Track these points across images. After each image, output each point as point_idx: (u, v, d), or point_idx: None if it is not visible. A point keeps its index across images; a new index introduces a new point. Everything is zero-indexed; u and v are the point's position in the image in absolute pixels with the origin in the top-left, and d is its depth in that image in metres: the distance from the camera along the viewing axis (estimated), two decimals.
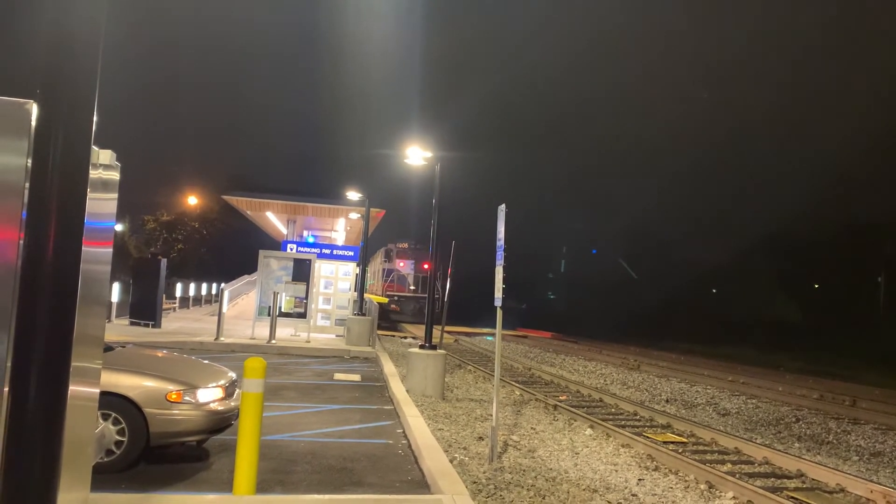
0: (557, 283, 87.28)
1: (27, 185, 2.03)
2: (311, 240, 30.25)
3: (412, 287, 38.33)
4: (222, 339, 16.71)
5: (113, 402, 5.69)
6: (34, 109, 2.06)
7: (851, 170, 62.30)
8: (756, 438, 10.54)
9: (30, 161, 2.04)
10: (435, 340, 12.82)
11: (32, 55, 2.03)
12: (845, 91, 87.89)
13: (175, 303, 29.73)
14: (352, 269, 22.11)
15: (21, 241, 2.01)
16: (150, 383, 5.96)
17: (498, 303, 7.96)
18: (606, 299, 64.40)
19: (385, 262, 40.32)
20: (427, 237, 13.64)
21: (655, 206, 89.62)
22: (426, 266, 38.86)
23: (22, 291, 1.97)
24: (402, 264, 39.38)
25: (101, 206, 3.03)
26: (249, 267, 26.25)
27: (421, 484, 6.29)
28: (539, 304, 70.37)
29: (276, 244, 31.55)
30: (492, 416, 7.92)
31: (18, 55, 2.22)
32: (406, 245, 40.04)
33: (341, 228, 32.08)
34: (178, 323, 21.81)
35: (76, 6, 2.03)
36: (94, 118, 2.10)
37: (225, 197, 27.25)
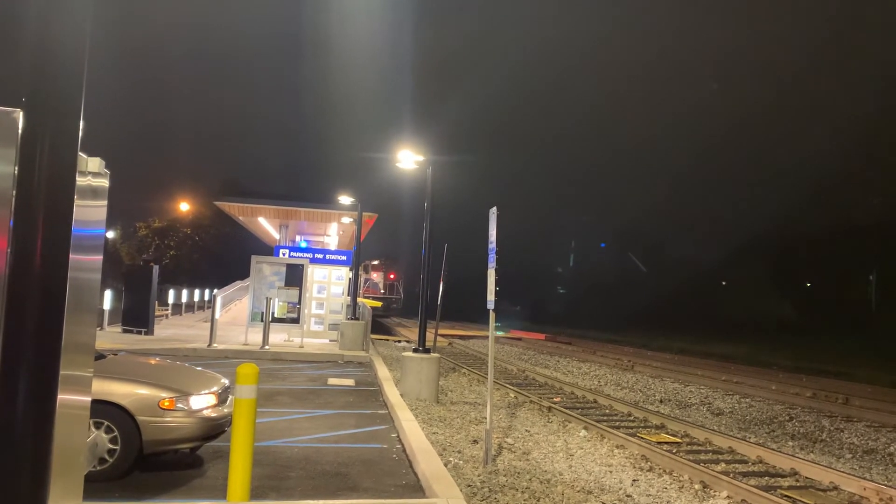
0: (564, 277, 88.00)
1: (14, 193, 2.03)
2: (303, 244, 30.22)
3: (382, 291, 56.40)
4: (215, 345, 16.64)
5: (105, 411, 5.66)
6: (20, 118, 2.05)
7: (845, 170, 62.68)
8: (750, 437, 10.58)
9: (16, 169, 2.03)
10: (429, 344, 12.82)
11: (17, 63, 2.03)
12: (841, 92, 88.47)
13: (168, 309, 29.59)
14: (345, 273, 22.06)
15: (8, 250, 2.00)
16: (142, 391, 5.94)
17: (491, 305, 7.97)
18: (605, 296, 64.71)
19: (363, 273, 54.40)
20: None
21: (650, 206, 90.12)
22: (392, 276, 57.35)
23: (9, 300, 1.96)
24: (374, 275, 56.73)
25: (91, 213, 3.01)
26: (242, 272, 26.15)
27: (416, 488, 6.29)
28: (538, 304, 70.50)
29: (269, 249, 31.50)
30: (486, 418, 7.92)
31: (3, 63, 2.21)
32: (377, 262, 57.43)
33: (334, 233, 32.02)
34: (171, 330, 21.72)
35: (61, 14, 2.02)
36: (82, 125, 2.09)
37: (217, 203, 27.13)
